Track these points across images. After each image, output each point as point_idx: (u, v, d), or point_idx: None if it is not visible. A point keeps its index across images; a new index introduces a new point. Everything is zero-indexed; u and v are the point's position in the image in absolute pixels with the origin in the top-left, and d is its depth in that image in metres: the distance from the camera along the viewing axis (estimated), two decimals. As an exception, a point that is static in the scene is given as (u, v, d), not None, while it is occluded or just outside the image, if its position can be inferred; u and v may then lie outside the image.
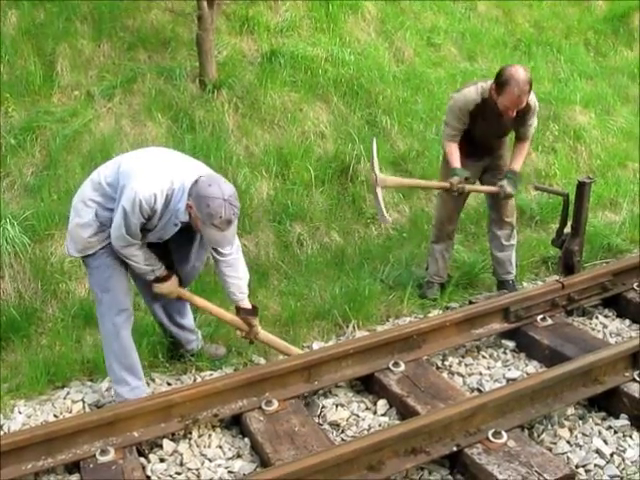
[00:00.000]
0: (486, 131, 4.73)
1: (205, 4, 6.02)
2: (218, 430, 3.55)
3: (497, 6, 9.14)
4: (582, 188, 4.77)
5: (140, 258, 3.64)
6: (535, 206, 6.18)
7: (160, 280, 3.76)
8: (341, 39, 7.27)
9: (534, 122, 4.81)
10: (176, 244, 3.86)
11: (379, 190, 4.57)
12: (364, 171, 5.96)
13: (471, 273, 5.23)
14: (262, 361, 4.26)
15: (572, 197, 4.90)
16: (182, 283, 3.96)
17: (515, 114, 4.54)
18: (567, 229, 4.90)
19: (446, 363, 4.23)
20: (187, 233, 3.73)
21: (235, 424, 3.59)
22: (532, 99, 4.64)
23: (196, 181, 3.42)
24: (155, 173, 3.48)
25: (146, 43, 6.51)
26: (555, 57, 8.64)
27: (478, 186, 4.97)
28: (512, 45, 8.58)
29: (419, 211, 5.95)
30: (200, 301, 4.00)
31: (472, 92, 4.59)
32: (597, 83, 8.41)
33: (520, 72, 4.37)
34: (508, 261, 5.09)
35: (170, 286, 3.81)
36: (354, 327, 4.60)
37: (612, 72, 8.82)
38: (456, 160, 4.69)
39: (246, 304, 3.93)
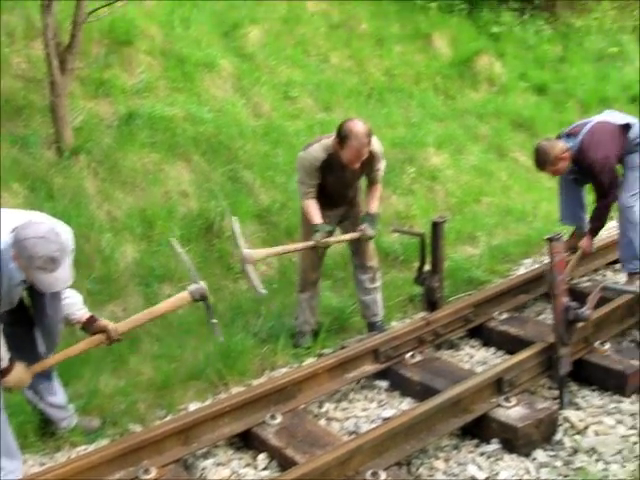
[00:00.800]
0: (337, 182, 4.88)
1: (57, 70, 5.96)
2: (95, 506, 3.44)
3: (350, 57, 9.52)
4: (436, 228, 4.99)
5: None
6: (398, 247, 6.38)
7: (5, 373, 3.53)
8: (198, 97, 7.34)
9: (382, 166, 4.99)
10: (31, 301, 3.73)
11: (249, 266, 4.58)
12: (229, 227, 5.99)
13: (341, 318, 5.33)
14: (139, 429, 4.16)
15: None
16: (47, 347, 3.83)
17: (360, 164, 4.71)
18: (427, 267, 5.11)
19: (322, 410, 4.29)
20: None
21: (113, 498, 3.50)
22: (375, 146, 4.81)
23: (16, 230, 3.28)
24: None
25: (-3, 112, 6.35)
26: (407, 102, 9.06)
27: (340, 236, 5.10)
28: (366, 94, 8.92)
29: (287, 261, 6.02)
30: (54, 359, 3.85)
31: (317, 149, 4.73)
32: (448, 125, 8.87)
33: (359, 126, 4.54)
34: (374, 303, 5.21)
35: (18, 374, 3.60)
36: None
37: (461, 113, 9.33)
38: (317, 216, 4.80)
39: (88, 314, 3.82)
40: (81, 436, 4.09)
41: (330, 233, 4.91)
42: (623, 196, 5.55)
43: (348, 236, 5.07)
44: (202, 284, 3.98)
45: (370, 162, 4.82)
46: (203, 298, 3.99)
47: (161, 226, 5.84)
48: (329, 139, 4.72)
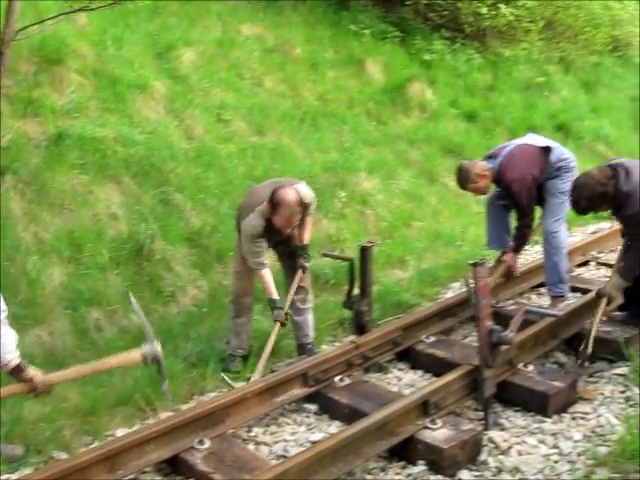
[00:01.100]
0: (278, 235, 5.00)
1: (-16, 89, 5.85)
2: (16, 537, 3.35)
3: (283, 81, 9.56)
4: (365, 252, 5.07)
5: None
6: (329, 270, 6.43)
7: None
8: (130, 119, 7.27)
9: (313, 206, 5.15)
10: None
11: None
12: (159, 250, 5.97)
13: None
14: (64, 456, 4.07)
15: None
16: None
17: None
18: (356, 291, 5.18)
19: (251, 434, 4.30)
20: None
21: (34, 528, 3.42)
22: (306, 196, 4.96)
23: None
24: None
25: None
26: (340, 127, 9.14)
27: (290, 293, 5.19)
28: (299, 118, 8.97)
29: (217, 285, 6.01)
30: None
31: (254, 219, 4.85)
32: (380, 150, 8.98)
33: (290, 195, 4.71)
34: (305, 324, 5.27)
35: None
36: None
37: (393, 139, 9.46)
38: (273, 289, 4.97)
39: (16, 362, 3.73)
40: (3, 465, 3.98)
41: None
42: (547, 222, 5.73)
43: (295, 284, 5.18)
44: (156, 345, 3.91)
45: (303, 210, 4.98)
46: (155, 361, 3.92)
47: (90, 249, 5.75)
48: (262, 205, 4.83)
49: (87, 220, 6.02)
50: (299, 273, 5.18)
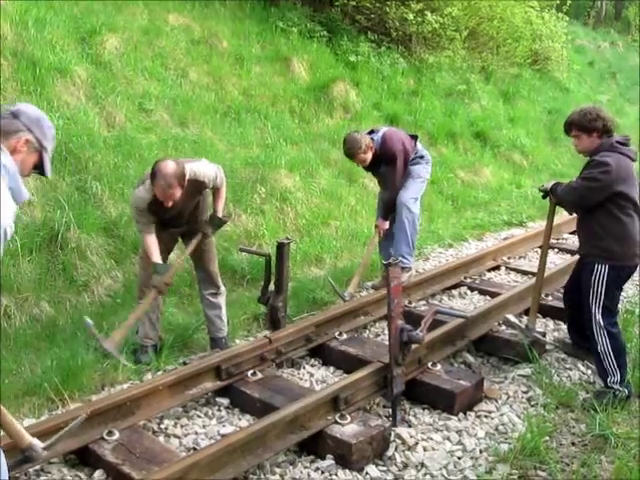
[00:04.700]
0: (170, 213, 4.92)
1: None
2: None
3: (208, 74, 9.52)
4: (282, 248, 5.12)
5: None
6: (246, 266, 6.45)
7: None
8: (49, 103, 7.09)
9: (218, 182, 5.01)
10: None
11: (113, 350, 4.81)
12: (74, 238, 5.86)
13: (185, 335, 5.32)
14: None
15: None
16: None
17: (187, 194, 4.78)
18: (271, 287, 5.22)
19: (162, 426, 4.27)
20: None
21: None
22: (200, 174, 4.87)
23: None
24: None
25: None
26: (263, 123, 9.17)
27: (181, 257, 5.15)
28: (222, 111, 8.96)
29: (132, 276, 5.93)
30: None
31: (142, 191, 4.77)
32: (302, 148, 9.05)
33: (168, 166, 4.59)
34: (218, 318, 5.26)
35: None
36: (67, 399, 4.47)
37: (315, 138, 9.55)
38: (155, 254, 4.85)
39: None
40: None
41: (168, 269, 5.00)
42: (405, 195, 6.22)
43: (190, 247, 5.08)
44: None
45: (198, 189, 4.94)
46: None
47: (1, 234, 5.59)
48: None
49: (0, 205, 5.84)
50: (198, 236, 5.06)
